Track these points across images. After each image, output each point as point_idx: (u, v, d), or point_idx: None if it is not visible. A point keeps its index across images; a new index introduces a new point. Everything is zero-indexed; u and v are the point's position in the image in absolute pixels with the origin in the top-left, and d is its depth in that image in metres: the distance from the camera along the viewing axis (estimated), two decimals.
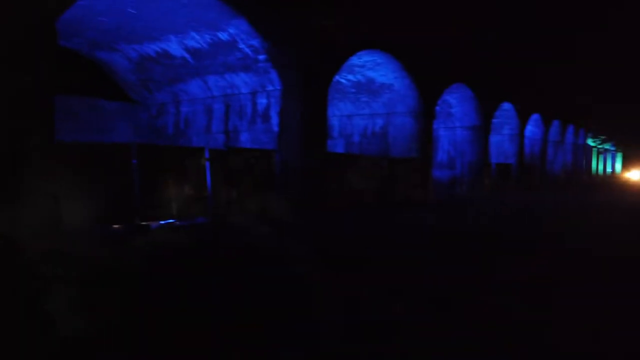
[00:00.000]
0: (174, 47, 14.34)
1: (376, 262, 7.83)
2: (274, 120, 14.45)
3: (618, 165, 71.71)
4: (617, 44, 36.78)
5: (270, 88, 14.23)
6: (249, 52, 13.43)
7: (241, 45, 13.25)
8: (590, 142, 52.43)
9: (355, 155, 18.46)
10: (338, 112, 22.06)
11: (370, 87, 19.64)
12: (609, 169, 66.09)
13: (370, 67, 18.00)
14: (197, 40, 13.64)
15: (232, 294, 5.86)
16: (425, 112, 19.88)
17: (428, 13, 19.33)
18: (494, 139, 31.81)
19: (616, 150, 66.99)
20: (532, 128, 35.96)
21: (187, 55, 14.60)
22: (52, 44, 8.28)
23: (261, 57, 13.43)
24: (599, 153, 57.58)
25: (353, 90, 20.12)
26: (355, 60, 16.97)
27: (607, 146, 58.25)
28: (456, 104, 25.19)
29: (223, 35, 13.07)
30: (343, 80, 19.38)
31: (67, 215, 9.35)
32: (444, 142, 27.23)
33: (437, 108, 24.83)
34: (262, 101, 14.58)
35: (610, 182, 48.25)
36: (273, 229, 11.20)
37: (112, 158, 10.24)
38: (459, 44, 22.09)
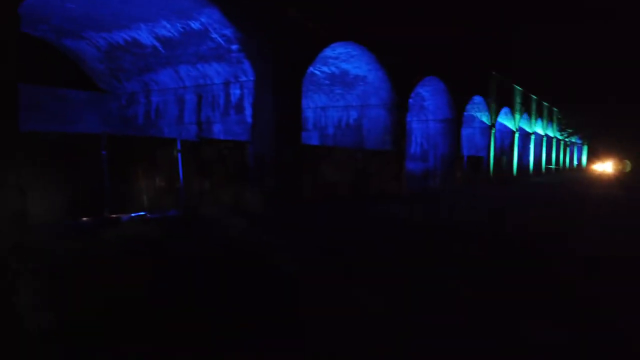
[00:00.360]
0: (144, 35, 14.01)
1: (346, 255, 7.90)
2: (248, 111, 14.33)
3: (584, 158, 74.04)
4: (586, 42, 37.84)
5: (243, 79, 14.08)
6: (222, 42, 13.24)
7: (214, 35, 13.05)
8: (558, 135, 53.91)
9: (330, 147, 18.50)
10: (312, 104, 22.03)
11: (344, 79, 19.66)
12: (575, 162, 68.19)
13: (345, 59, 18.01)
14: (168, 29, 13.36)
15: (201, 287, 5.82)
16: (399, 105, 20.05)
17: (402, 7, 19.44)
18: (465, 131, 32.36)
19: (582, 144, 69.09)
20: (502, 121, 36.73)
21: (157, 44, 14.30)
22: (14, 30, 7.97)
23: (234, 47, 13.26)
24: (566, 146, 59.28)
25: (327, 82, 20.11)
26: (329, 52, 16.95)
27: (573, 139, 59.97)
28: (429, 97, 25.48)
29: (195, 24, 12.84)
30: (317, 72, 19.34)
31: (33, 208, 9.09)
32: (417, 135, 27.56)
33: (411, 101, 25.06)
34: (235, 92, 14.42)
35: (576, 174, 49.77)
36: (246, 221, 11.14)
37: (81, 149, 9.97)
38: (432, 37, 22.32)
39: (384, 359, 3.85)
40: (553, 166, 52.25)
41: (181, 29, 13.22)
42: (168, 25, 13.19)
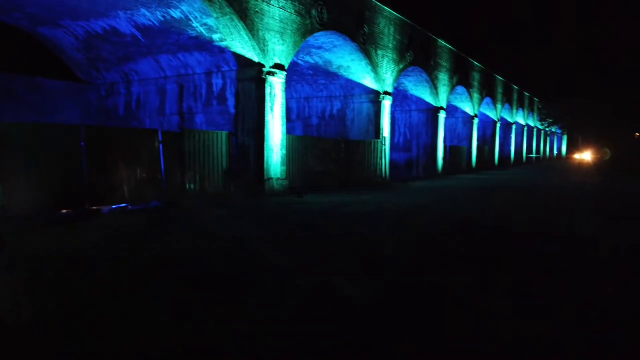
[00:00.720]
0: (123, 24, 13.71)
1: (332, 247, 7.91)
2: (231, 102, 14.19)
3: (564, 148, 75.29)
4: (566, 35, 38.27)
5: (226, 69, 13.91)
6: (203, 31, 13.03)
7: (195, 24, 12.83)
8: (539, 125, 54.63)
9: (314, 137, 18.44)
10: (296, 94, 21.92)
11: (327, 69, 19.57)
12: (555, 151, 69.30)
13: (328, 49, 17.91)
14: (147, 17, 13.09)
15: (182, 282, 5.77)
16: (382, 95, 20.06)
17: None
18: (448, 122, 32.62)
19: (562, 133, 70.15)
20: (484, 111, 37.10)
21: (137, 33, 14.02)
22: None
23: (216, 36, 13.07)
24: (546, 136, 60.15)
25: (311, 72, 20.00)
26: (312, 41, 16.84)
27: (554, 129, 60.83)
28: (412, 87, 25.55)
29: (175, 13, 12.60)
30: (301, 62, 19.21)
31: (9, 200, 8.89)
32: (401, 125, 27.68)
33: (394, 91, 25.10)
34: (217, 82, 14.26)
35: (556, 164, 50.59)
36: (230, 212, 11.07)
37: (59, 141, 9.77)
38: (417, 27, 22.33)
39: None
40: (534, 155, 53.02)
41: (161, 18, 12.96)
42: (148, 14, 12.92)
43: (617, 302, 5.07)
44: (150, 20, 13.22)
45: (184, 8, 12.32)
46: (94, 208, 10.25)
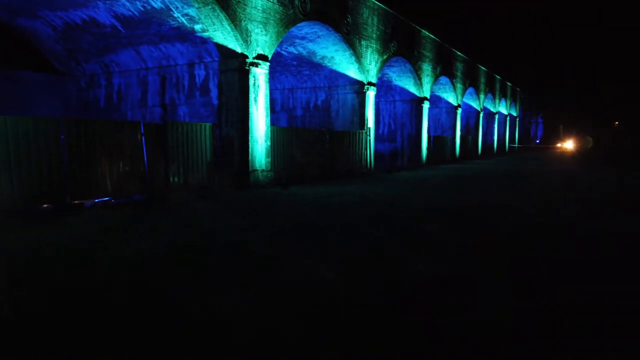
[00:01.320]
0: (103, 14, 13.46)
1: (316, 238, 7.96)
2: (214, 93, 14.08)
3: (545, 137, 76.37)
4: (545, 22, 38.62)
5: (208, 59, 13.78)
6: (185, 22, 12.87)
7: (176, 14, 12.66)
8: (521, 114, 55.27)
9: (299, 128, 18.42)
10: (280, 85, 21.82)
11: (311, 59, 19.51)
12: (537, 140, 70.27)
13: (312, 39, 17.84)
14: (127, 7, 12.87)
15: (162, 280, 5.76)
16: (366, 86, 20.08)
17: None
18: (432, 112, 32.82)
19: (544, 123, 71.11)
20: (467, 101, 37.40)
21: (117, 24, 13.78)
22: None
23: (198, 26, 12.92)
24: (528, 125, 60.90)
25: (294, 63, 19.91)
26: (295, 31, 16.75)
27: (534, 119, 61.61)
28: (396, 78, 25.61)
29: (156, 3, 12.41)
30: (284, 53, 19.11)
31: None
32: (385, 115, 27.76)
33: (378, 81, 25.14)
34: (200, 73, 14.12)
35: (538, 153, 51.32)
36: (215, 204, 11.04)
37: (38, 134, 9.60)
38: (400, 17, 22.34)
39: None
40: (516, 145, 53.70)
41: (141, 8, 12.76)
42: (127, 4, 12.70)
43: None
44: (130, 10, 13.00)
45: None
46: (76, 202, 10.13)
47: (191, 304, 4.51)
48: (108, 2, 12.72)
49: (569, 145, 53.90)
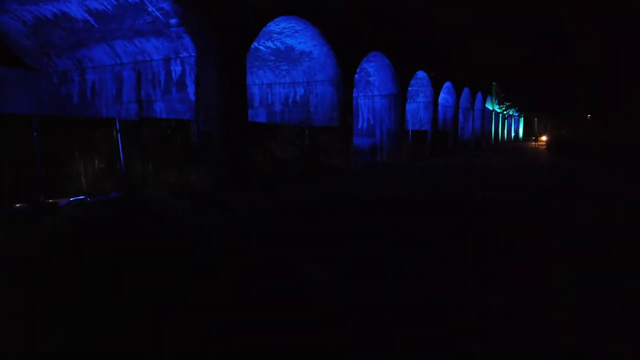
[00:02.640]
0: (74, 8, 13.13)
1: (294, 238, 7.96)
2: (191, 88, 13.87)
3: (521, 130, 77.78)
4: (522, 21, 39.27)
5: (184, 55, 13.57)
6: (159, 16, 12.65)
7: (150, 8, 12.43)
8: (496, 108, 56.13)
9: (278, 124, 18.32)
10: (258, 80, 21.66)
11: (289, 54, 19.41)
12: (513, 134, 71.52)
13: (289, 34, 17.75)
14: (100, 1, 12.57)
15: (141, 280, 5.69)
16: (345, 81, 20.10)
17: None
18: (410, 106, 33.07)
19: (519, 116, 72.39)
20: (445, 95, 37.78)
21: (90, 18, 13.46)
22: None
23: (173, 21, 12.71)
24: (504, 119, 61.91)
25: (272, 57, 19.79)
26: (273, 26, 16.64)
27: (511, 112, 62.68)
28: (374, 73, 25.69)
29: None
30: (262, 48, 18.97)
31: None
32: (364, 110, 27.84)
33: (356, 76, 25.21)
34: (176, 68, 13.90)
35: (513, 146, 52.23)
36: (192, 203, 10.93)
37: (9, 131, 9.32)
38: (376, 12, 22.39)
39: None
40: (492, 138, 54.53)
41: (115, 2, 12.48)
42: None
43: None
44: (103, 4, 12.72)
45: None
46: (50, 201, 9.89)
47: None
48: None
49: (543, 138, 54.97)
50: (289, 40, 18.32)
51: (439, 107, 36.24)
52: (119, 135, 11.32)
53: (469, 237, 7.36)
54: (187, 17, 12.61)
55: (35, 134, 9.59)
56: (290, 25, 16.95)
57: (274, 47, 18.93)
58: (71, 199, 10.32)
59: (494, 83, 53.17)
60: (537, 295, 4.69)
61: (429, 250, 6.49)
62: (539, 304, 4.45)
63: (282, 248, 6.54)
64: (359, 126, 27.70)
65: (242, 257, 6.13)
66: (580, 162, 24.91)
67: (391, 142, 27.06)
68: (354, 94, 26.87)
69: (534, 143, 53.32)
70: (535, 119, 68.70)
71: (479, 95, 47.40)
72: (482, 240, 7.12)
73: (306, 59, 19.56)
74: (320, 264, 5.69)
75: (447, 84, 36.35)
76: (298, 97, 21.06)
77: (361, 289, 4.85)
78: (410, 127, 32.16)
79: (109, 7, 12.73)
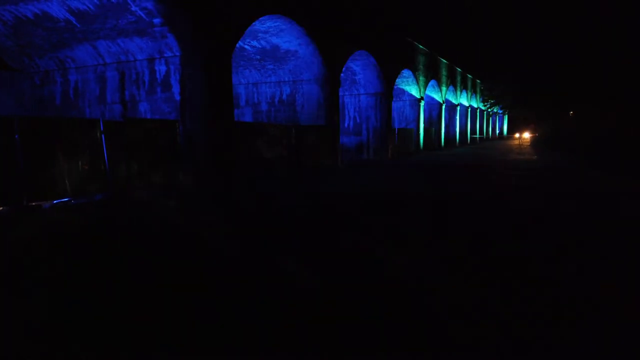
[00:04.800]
0: (56, 8, 12.94)
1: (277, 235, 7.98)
2: (176, 88, 13.78)
3: (505, 127, 78.65)
4: (504, 19, 39.61)
5: (169, 54, 13.48)
6: (143, 15, 12.54)
7: (133, 8, 12.31)
8: (481, 106, 56.69)
9: (264, 124, 18.28)
10: (244, 80, 21.59)
11: (275, 54, 19.38)
12: (497, 131, 72.31)
13: (274, 33, 17.71)
14: (82, 1, 12.42)
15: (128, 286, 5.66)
16: (331, 79, 20.13)
17: None
18: (396, 105, 33.26)
19: (503, 113, 73.16)
20: (430, 94, 38.07)
21: (71, 18, 13.28)
22: None
23: (156, 20, 12.61)
24: (489, 116, 62.56)
25: (258, 57, 19.73)
26: (258, 25, 16.60)
27: (495, 109, 63.33)
28: (360, 71, 25.77)
29: None
30: (247, 47, 18.91)
31: None
32: (350, 109, 27.91)
33: (342, 75, 25.27)
34: (161, 68, 13.80)
35: (497, 143, 52.82)
36: (179, 203, 10.87)
37: None
38: (361, 10, 22.46)
39: None
40: (477, 136, 55.07)
41: (97, 2, 12.34)
42: None
43: None
44: (85, 4, 12.56)
45: None
46: (33, 204, 9.76)
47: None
48: None
49: (526, 135, 55.60)
50: (274, 40, 18.29)
51: (425, 105, 36.53)
52: (102, 136, 11.20)
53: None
54: (171, 16, 12.52)
55: (17, 136, 9.45)
56: (275, 24, 16.92)
57: (260, 46, 18.88)
58: (55, 202, 10.19)
59: (478, 81, 53.70)
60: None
61: (401, 240, 6.57)
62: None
63: (258, 244, 6.56)
64: (346, 125, 27.78)
65: (221, 257, 6.14)
66: (561, 157, 25.31)
67: (377, 140, 27.19)
68: (340, 93, 26.93)
69: (517, 141, 53.97)
70: (520, 117, 69.46)
71: (464, 93, 47.85)
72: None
73: (292, 58, 19.55)
74: (294, 259, 5.73)
75: (432, 82, 36.61)
76: (284, 96, 21.04)
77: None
78: (396, 125, 32.36)
79: (91, 6, 12.58)
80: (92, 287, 5.02)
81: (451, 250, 6.44)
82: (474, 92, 53.17)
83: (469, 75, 49.26)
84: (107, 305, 4.47)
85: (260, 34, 17.70)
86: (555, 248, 6.56)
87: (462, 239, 7.13)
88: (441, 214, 9.27)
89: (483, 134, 59.06)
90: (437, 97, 38.83)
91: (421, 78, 33.06)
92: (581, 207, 9.81)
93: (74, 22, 13.42)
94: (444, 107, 39.78)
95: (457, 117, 45.13)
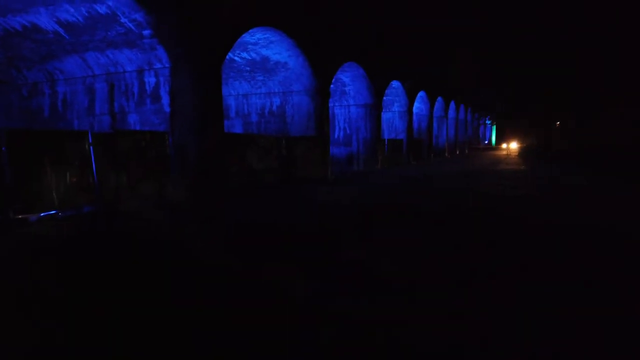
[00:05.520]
0: (45, 20, 12.89)
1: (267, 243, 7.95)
2: (165, 100, 13.74)
3: (493, 138, 79.51)
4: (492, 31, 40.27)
5: (158, 66, 13.46)
6: (132, 27, 12.53)
7: (123, 19, 12.31)
8: (469, 116, 57.26)
9: (254, 135, 18.28)
10: (234, 91, 21.62)
11: (265, 65, 19.45)
12: (485, 141, 73.07)
13: (264, 44, 17.80)
14: (71, 12, 12.38)
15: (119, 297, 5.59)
16: (321, 91, 20.23)
17: None
18: (385, 116, 33.45)
19: (491, 124, 74.04)
20: (419, 105, 38.38)
21: (60, 30, 13.23)
22: None
23: (146, 32, 12.61)
24: (477, 127, 63.19)
25: (248, 68, 19.79)
26: (248, 37, 16.67)
27: (483, 120, 64.03)
28: (349, 83, 25.95)
29: (101, 8, 12.01)
30: (237, 59, 18.96)
31: None
32: (340, 120, 28.05)
33: (332, 86, 25.42)
34: (150, 80, 13.76)
35: (485, 153, 53.32)
36: (168, 215, 10.78)
37: None
38: (350, 22, 22.68)
39: None
40: (466, 146, 55.55)
41: (86, 13, 12.32)
42: (71, 9, 12.22)
43: None
44: (74, 16, 12.53)
45: (110, 3, 11.79)
46: (20, 217, 9.62)
47: None
48: (50, 7, 12.20)
49: (513, 145, 56.19)
50: (264, 51, 18.37)
51: (414, 117, 36.77)
52: (91, 148, 11.11)
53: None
54: (160, 28, 12.54)
55: (4, 148, 9.34)
56: (265, 36, 17.01)
57: (250, 58, 18.95)
58: (42, 214, 10.05)
59: (467, 92, 54.26)
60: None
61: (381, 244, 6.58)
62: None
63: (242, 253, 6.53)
64: (336, 136, 27.88)
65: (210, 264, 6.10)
66: (548, 167, 25.61)
67: (367, 151, 27.30)
68: (330, 104, 27.07)
69: (505, 151, 54.56)
70: (507, 128, 70.32)
71: (452, 104, 48.32)
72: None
73: (282, 70, 19.64)
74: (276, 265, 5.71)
75: (421, 94, 36.95)
76: (274, 108, 21.08)
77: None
78: (386, 136, 32.51)
79: (80, 18, 12.56)
80: (68, 304, 4.95)
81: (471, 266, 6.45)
82: (462, 102, 53.73)
83: (457, 86, 49.78)
84: (81, 323, 4.40)
85: (250, 46, 17.78)
86: (563, 255, 6.61)
87: (479, 254, 7.15)
88: (444, 227, 9.31)
89: (472, 145, 59.58)
90: (426, 108, 39.17)
91: (410, 89, 33.35)
92: (581, 210, 9.91)
93: (63, 33, 13.37)
94: (433, 118, 40.11)
95: (446, 128, 45.51)
